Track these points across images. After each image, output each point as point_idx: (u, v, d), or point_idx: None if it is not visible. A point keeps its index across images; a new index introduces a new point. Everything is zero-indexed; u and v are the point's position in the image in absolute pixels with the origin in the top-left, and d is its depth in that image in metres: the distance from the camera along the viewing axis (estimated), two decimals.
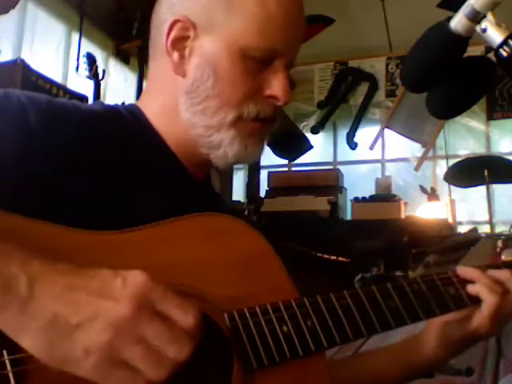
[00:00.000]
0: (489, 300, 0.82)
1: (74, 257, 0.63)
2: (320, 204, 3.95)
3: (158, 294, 0.56)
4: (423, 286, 0.82)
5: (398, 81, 4.80)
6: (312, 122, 5.07)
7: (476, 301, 0.83)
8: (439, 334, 0.89)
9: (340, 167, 4.66)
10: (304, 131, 4.84)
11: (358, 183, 4.72)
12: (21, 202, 0.67)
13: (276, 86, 0.82)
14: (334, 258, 3.45)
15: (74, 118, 0.78)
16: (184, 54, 0.82)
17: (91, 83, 3.22)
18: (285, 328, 0.69)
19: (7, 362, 0.55)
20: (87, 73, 3.24)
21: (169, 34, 0.82)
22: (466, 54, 0.79)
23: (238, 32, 0.80)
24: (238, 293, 0.70)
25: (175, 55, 0.82)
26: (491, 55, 0.76)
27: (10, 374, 0.55)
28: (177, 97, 0.84)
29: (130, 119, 0.86)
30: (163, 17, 0.85)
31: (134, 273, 0.56)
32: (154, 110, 0.87)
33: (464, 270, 0.86)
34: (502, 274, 0.85)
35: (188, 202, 0.84)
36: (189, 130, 0.84)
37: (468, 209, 4.52)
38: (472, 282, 0.84)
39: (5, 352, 0.55)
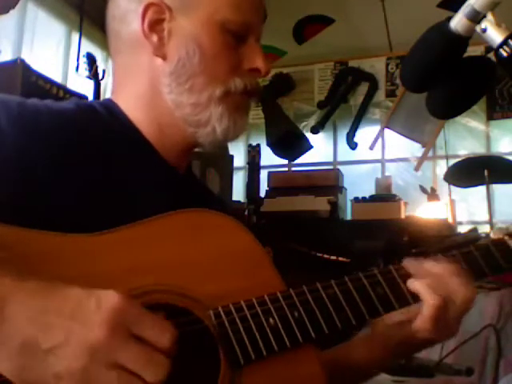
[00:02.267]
0: (430, 301, 0.75)
1: (55, 261, 0.62)
2: (320, 204, 3.95)
3: (133, 315, 0.55)
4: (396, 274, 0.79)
5: (398, 81, 4.80)
6: (312, 122, 5.07)
7: (417, 298, 0.77)
8: (380, 337, 0.85)
9: (340, 167, 4.65)
10: (304, 131, 4.84)
11: (358, 183, 4.71)
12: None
13: (255, 58, 0.85)
14: (334, 258, 3.45)
15: (45, 119, 0.77)
16: (163, 35, 0.83)
17: (91, 83, 3.22)
18: (271, 321, 0.69)
19: None
20: (87, 73, 3.24)
21: (144, 17, 0.82)
22: (466, 54, 0.79)
23: (214, 8, 0.82)
24: (225, 289, 0.70)
25: (154, 38, 0.83)
26: (491, 55, 0.76)
27: None
28: (156, 81, 0.84)
29: (105, 115, 0.85)
30: (127, 7, 0.85)
31: (107, 294, 0.55)
32: (129, 102, 0.86)
33: (408, 264, 0.80)
34: (444, 269, 0.78)
35: (172, 196, 0.83)
36: (174, 111, 0.84)
37: (468, 209, 4.52)
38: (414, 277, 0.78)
39: None
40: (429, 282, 0.77)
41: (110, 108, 0.86)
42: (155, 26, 0.83)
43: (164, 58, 0.83)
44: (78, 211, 0.73)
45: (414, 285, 0.78)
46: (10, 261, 0.59)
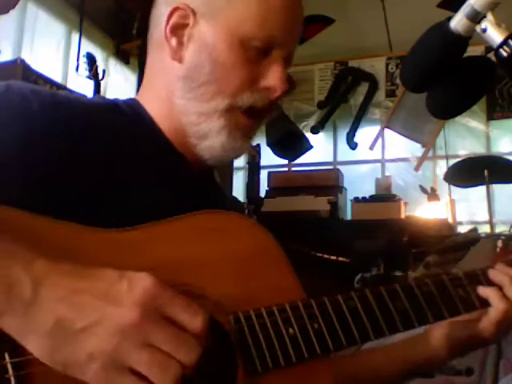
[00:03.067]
0: (499, 306, 0.81)
1: (75, 254, 0.62)
2: (320, 204, 3.95)
3: (165, 298, 0.55)
4: (433, 288, 0.80)
5: (398, 81, 4.80)
6: (312, 122, 5.07)
7: (485, 303, 0.82)
8: (442, 335, 0.88)
9: (340, 167, 4.65)
10: (304, 131, 4.84)
11: (358, 183, 4.71)
12: (24, 196, 0.66)
13: (272, 76, 0.82)
14: (334, 258, 3.45)
15: (76, 110, 0.78)
16: (182, 40, 0.82)
17: (91, 83, 3.22)
18: (291, 330, 0.68)
19: (9, 365, 0.54)
20: (87, 73, 3.24)
21: (168, 20, 0.82)
22: (466, 54, 0.79)
23: (238, 19, 0.80)
24: (243, 292, 0.69)
25: (173, 41, 0.82)
26: (491, 55, 0.76)
27: (12, 378, 0.54)
28: (172, 84, 0.84)
29: (129, 112, 0.86)
30: (161, 11, 0.85)
31: (140, 275, 0.55)
32: (151, 102, 0.87)
33: (495, 273, 0.84)
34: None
35: (190, 196, 0.84)
36: (181, 117, 0.84)
37: (468, 209, 4.52)
38: (483, 284, 0.83)
39: (6, 355, 0.55)
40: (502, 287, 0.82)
41: (134, 106, 0.87)
42: (177, 30, 0.82)
43: (180, 61, 0.83)
44: (95, 207, 0.73)
45: (485, 290, 0.83)
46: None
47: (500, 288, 0.83)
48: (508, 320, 0.82)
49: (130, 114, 0.86)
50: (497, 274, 0.84)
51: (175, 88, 0.84)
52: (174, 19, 0.82)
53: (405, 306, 0.77)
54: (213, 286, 0.67)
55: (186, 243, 0.70)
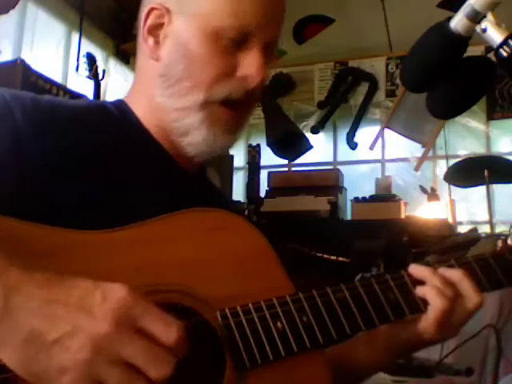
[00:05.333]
0: (435, 304, 0.76)
1: (63, 257, 0.62)
2: (320, 204, 3.95)
3: (139, 310, 0.54)
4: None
5: (398, 81, 4.80)
6: (312, 122, 5.06)
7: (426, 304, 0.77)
8: (385, 338, 0.84)
9: (340, 167, 4.65)
10: (304, 131, 4.84)
11: (358, 183, 4.71)
12: (12, 204, 0.66)
13: (248, 64, 0.81)
14: (334, 258, 3.45)
15: (60, 114, 0.78)
16: (159, 39, 0.84)
17: (91, 83, 3.22)
18: (279, 325, 0.68)
19: None
20: (87, 73, 3.24)
21: (145, 21, 0.84)
22: (466, 54, 0.79)
23: (210, 12, 0.80)
24: (234, 291, 0.69)
25: (150, 41, 0.84)
26: (491, 55, 0.76)
27: None
28: (152, 83, 0.84)
29: (116, 114, 0.86)
30: (142, 10, 0.87)
31: (114, 287, 0.55)
32: (137, 103, 0.87)
33: (415, 269, 0.79)
34: (454, 274, 0.79)
35: (181, 196, 0.83)
36: (163, 115, 0.84)
37: (468, 209, 4.52)
38: (423, 282, 0.78)
39: None
40: (438, 285, 0.77)
41: (121, 108, 0.87)
42: (154, 30, 0.84)
43: (157, 60, 0.84)
44: (93, 208, 0.73)
45: (422, 289, 0.78)
46: (19, 255, 0.58)
47: (429, 283, 0.77)
48: (449, 319, 0.76)
49: (118, 115, 0.86)
50: (415, 268, 0.79)
51: (155, 86, 0.84)
52: (150, 20, 0.84)
53: (396, 296, 0.76)
54: (202, 285, 0.67)
55: (178, 242, 0.70)
